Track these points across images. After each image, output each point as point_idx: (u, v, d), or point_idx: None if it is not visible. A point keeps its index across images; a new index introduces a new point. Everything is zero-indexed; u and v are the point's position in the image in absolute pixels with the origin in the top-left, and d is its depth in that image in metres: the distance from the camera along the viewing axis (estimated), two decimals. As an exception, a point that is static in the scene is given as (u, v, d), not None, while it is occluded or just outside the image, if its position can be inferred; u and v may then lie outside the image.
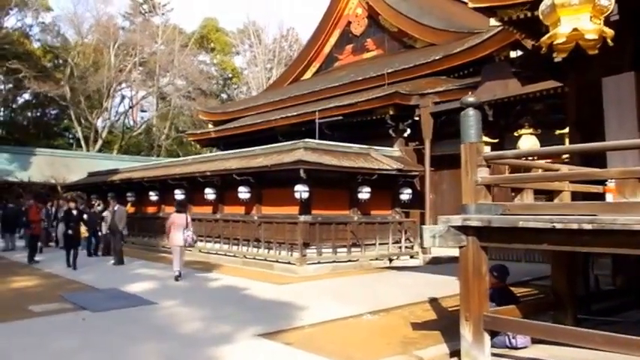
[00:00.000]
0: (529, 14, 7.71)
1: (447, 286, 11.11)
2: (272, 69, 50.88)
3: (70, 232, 14.37)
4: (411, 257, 16.27)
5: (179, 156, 39.16)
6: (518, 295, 10.14)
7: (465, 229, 5.62)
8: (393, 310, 9.06)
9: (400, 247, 16.14)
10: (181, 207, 13.39)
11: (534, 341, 6.32)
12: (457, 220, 5.63)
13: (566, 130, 13.01)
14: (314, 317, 8.33)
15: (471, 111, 5.67)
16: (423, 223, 16.91)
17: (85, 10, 55.76)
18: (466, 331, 5.70)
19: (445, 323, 7.97)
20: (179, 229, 12.37)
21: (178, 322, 7.96)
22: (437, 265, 14.82)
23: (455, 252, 15.27)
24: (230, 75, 54.97)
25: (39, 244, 16.98)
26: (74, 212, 14.75)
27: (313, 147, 14.41)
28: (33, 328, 7.64)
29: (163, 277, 12.60)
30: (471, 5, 8.03)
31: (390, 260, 15.65)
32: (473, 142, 5.68)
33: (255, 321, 8.04)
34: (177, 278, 12.00)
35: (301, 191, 13.59)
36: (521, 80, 14.01)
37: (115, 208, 15.32)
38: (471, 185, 5.63)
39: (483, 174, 5.64)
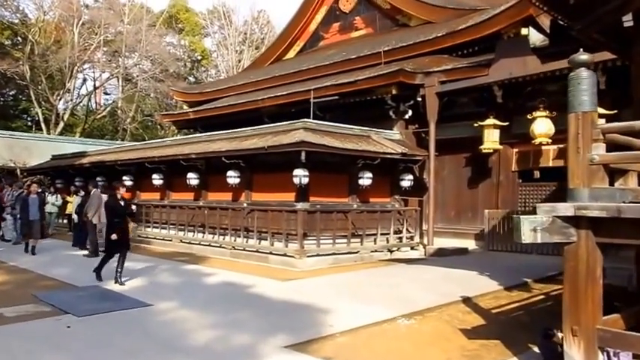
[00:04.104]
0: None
1: (470, 283, 10.06)
2: (242, 52, 48.99)
3: (115, 233, 10.01)
4: (412, 248, 15.16)
5: (144, 140, 37.07)
6: (554, 294, 9.23)
7: (576, 221, 4.45)
8: (427, 312, 7.91)
9: (400, 238, 15.01)
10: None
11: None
12: (567, 209, 4.43)
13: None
14: (342, 322, 7.11)
15: (584, 72, 4.49)
16: (422, 211, 15.86)
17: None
18: (574, 350, 4.54)
19: (498, 330, 6.92)
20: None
21: (185, 331, 6.61)
22: (444, 257, 13.69)
23: (460, 243, 14.50)
24: (199, 57, 52.70)
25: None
26: (121, 202, 10.42)
27: (313, 128, 13.06)
28: (7, 339, 6.16)
29: (149, 272, 11.19)
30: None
31: (391, 252, 14.49)
32: (587, 112, 4.48)
33: (276, 328, 6.79)
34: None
35: (301, 176, 12.27)
36: (541, 57, 13.06)
37: (92, 192, 13.74)
38: (584, 165, 4.44)
39: (600, 151, 4.47)
